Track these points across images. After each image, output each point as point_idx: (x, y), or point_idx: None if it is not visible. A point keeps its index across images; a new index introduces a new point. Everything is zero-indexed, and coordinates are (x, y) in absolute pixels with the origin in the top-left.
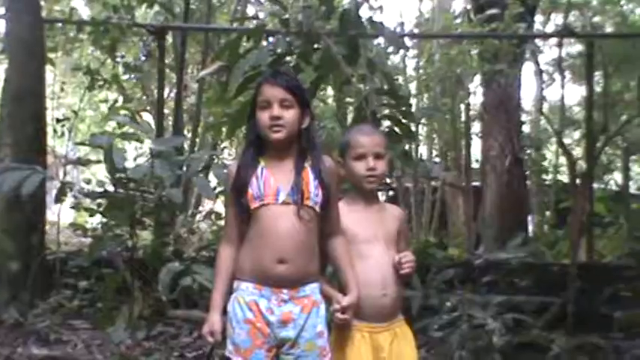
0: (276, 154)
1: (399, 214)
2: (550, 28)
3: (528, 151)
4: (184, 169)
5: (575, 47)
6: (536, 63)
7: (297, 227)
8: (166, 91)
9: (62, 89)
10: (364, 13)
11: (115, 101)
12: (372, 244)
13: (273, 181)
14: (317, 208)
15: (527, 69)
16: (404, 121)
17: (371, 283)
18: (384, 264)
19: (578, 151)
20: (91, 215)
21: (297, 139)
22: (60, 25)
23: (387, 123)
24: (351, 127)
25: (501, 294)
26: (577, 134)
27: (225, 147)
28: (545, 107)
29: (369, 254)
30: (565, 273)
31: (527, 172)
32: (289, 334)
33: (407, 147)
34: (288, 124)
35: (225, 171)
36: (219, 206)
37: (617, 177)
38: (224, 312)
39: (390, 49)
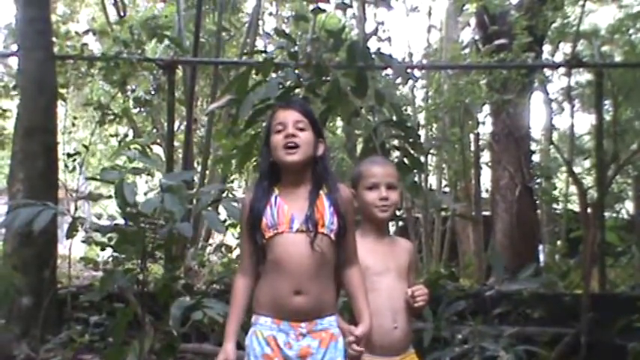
0: (290, 181)
1: (409, 246)
2: (558, 58)
3: (538, 181)
4: (194, 202)
5: (584, 76)
6: (545, 92)
7: (312, 256)
8: (176, 124)
9: (73, 124)
10: (372, 44)
11: (126, 135)
12: (384, 276)
13: (287, 209)
14: (332, 237)
15: (536, 98)
16: (413, 152)
17: (382, 315)
18: (395, 296)
19: (588, 180)
20: (102, 249)
21: (312, 168)
22: (71, 60)
23: (396, 154)
24: (362, 159)
25: (513, 325)
26: (587, 163)
27: (234, 179)
28: (555, 136)
29: (381, 287)
30: (578, 303)
31: (538, 202)
32: None
33: (416, 178)
34: (303, 144)
35: (235, 204)
36: (230, 239)
37: (629, 206)
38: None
39: (399, 80)
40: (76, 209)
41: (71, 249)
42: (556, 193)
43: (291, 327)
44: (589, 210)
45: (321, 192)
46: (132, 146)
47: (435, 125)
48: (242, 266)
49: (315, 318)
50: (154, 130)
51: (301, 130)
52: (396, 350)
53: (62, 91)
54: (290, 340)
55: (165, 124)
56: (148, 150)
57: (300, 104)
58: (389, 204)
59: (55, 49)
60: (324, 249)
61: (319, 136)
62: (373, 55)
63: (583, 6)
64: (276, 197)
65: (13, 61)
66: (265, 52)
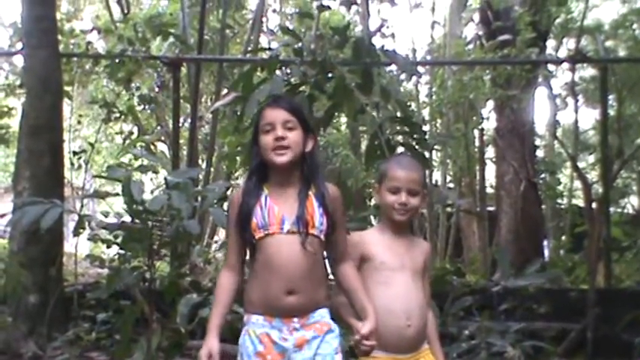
0: (279, 180)
1: (426, 247)
2: (562, 53)
3: (543, 176)
4: (200, 200)
5: (588, 71)
6: (549, 87)
7: (303, 257)
8: (180, 121)
9: (79, 122)
10: (377, 41)
11: (131, 133)
12: (399, 272)
13: (277, 210)
14: (322, 237)
15: (540, 93)
16: (418, 148)
17: (396, 313)
18: (409, 294)
19: (593, 175)
20: (108, 247)
21: (301, 165)
22: (76, 58)
23: (400, 150)
24: (367, 156)
25: (520, 321)
26: (592, 158)
27: (239, 176)
28: (559, 131)
29: (395, 283)
30: (583, 299)
31: (542, 197)
32: (305, 356)
33: None
34: (292, 145)
35: None
36: None
37: (634, 201)
38: (237, 341)
39: (403, 76)
40: (82, 207)
41: (77, 247)
42: (560, 188)
43: (283, 323)
44: (594, 205)
45: (310, 192)
46: (137, 144)
47: (439, 121)
48: (228, 262)
49: (307, 313)
50: (159, 127)
51: (290, 129)
52: (410, 348)
53: (67, 89)
54: (284, 335)
55: (170, 121)
56: (153, 147)
57: (288, 102)
58: (407, 209)
59: (60, 47)
60: (314, 249)
61: (308, 132)
62: (378, 52)
63: (587, 1)
64: (266, 197)
65: (18, 60)
66: (270, 49)
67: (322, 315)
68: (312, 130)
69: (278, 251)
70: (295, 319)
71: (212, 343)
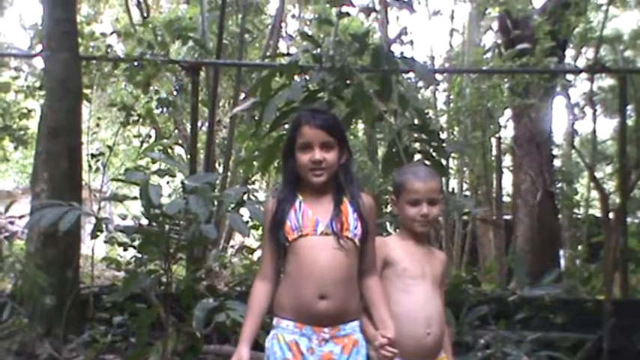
0: (314, 189)
1: (443, 258)
2: (581, 62)
3: (560, 185)
4: (217, 204)
5: (607, 81)
6: (568, 97)
7: (337, 259)
8: (198, 125)
9: (97, 125)
10: (395, 48)
11: (149, 136)
12: (420, 280)
13: (311, 213)
14: (357, 241)
15: (559, 102)
16: (435, 155)
17: (415, 321)
18: (429, 302)
19: (610, 185)
20: (124, 250)
21: (335, 175)
22: (95, 61)
23: (418, 157)
24: (385, 163)
25: (535, 330)
26: (609, 168)
27: (255, 180)
28: (577, 141)
29: (416, 291)
30: (600, 309)
31: (559, 206)
32: None
33: None
34: (329, 167)
35: (257, 206)
36: (251, 240)
37: None
38: (257, 348)
39: (421, 83)
40: (99, 209)
41: (94, 249)
42: (577, 198)
43: (313, 332)
44: (611, 215)
45: (344, 198)
46: (155, 147)
47: (456, 129)
48: (262, 271)
49: (338, 323)
50: (176, 131)
51: (328, 150)
52: (427, 356)
53: (87, 91)
54: (312, 346)
55: (188, 125)
56: (170, 151)
57: (326, 120)
58: (429, 220)
59: (80, 50)
60: (348, 252)
61: (344, 143)
62: (397, 59)
63: (606, 11)
64: (300, 202)
65: (38, 62)
66: (288, 54)
67: (354, 328)
68: (347, 142)
69: (311, 253)
70: (326, 329)
71: (243, 351)
